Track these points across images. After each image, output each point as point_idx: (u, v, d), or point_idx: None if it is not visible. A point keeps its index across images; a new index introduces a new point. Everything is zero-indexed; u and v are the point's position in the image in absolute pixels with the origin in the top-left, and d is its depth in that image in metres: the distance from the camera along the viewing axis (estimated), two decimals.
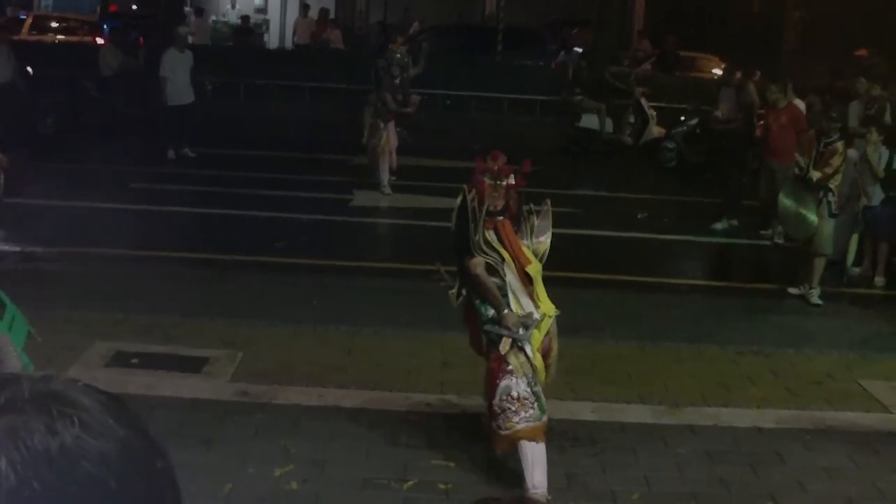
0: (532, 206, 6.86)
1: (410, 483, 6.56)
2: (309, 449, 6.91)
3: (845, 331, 10.73)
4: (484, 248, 6.53)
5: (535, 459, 6.32)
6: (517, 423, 6.37)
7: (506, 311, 6.48)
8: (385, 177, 15.79)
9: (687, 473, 6.94)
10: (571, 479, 6.75)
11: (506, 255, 6.56)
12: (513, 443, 6.42)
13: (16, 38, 23.44)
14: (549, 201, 6.93)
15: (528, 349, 6.49)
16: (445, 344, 8.79)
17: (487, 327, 6.57)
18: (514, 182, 6.69)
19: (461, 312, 6.99)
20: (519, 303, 6.56)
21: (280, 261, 11.98)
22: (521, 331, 6.48)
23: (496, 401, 6.44)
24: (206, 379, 8.09)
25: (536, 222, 6.80)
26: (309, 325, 9.46)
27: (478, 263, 6.48)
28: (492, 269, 6.52)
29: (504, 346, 6.47)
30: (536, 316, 6.58)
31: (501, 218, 6.66)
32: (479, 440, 6.99)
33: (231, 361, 8.41)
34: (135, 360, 8.32)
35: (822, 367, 9.17)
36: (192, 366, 8.29)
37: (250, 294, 10.45)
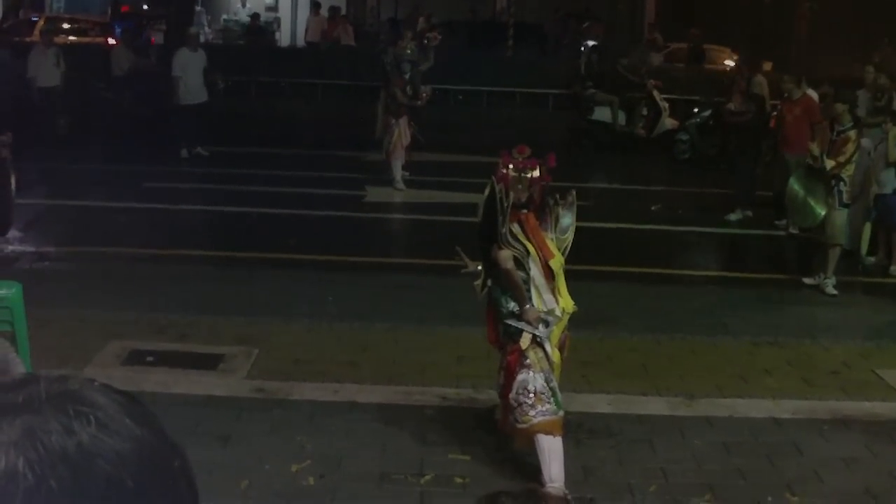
0: (557, 197, 6.85)
1: (427, 477, 6.56)
2: (325, 444, 6.93)
3: (861, 320, 10.71)
4: (510, 240, 6.51)
5: (551, 453, 6.32)
6: (533, 416, 6.37)
7: (528, 306, 6.47)
8: (398, 173, 15.80)
9: (704, 465, 6.93)
10: (588, 472, 6.75)
11: (531, 248, 6.55)
12: (529, 437, 6.41)
13: (28, 39, 23.56)
14: (574, 192, 6.91)
15: (547, 345, 6.49)
16: (460, 338, 8.79)
17: (510, 321, 6.56)
18: (538, 175, 6.67)
19: (485, 304, 6.96)
20: (541, 297, 6.54)
21: (294, 257, 12.00)
22: (541, 327, 6.47)
23: (513, 394, 6.43)
24: (222, 376, 8.11)
25: (561, 213, 6.79)
26: (324, 322, 9.47)
27: (508, 257, 6.45)
28: (517, 262, 6.50)
29: (524, 341, 6.46)
30: (558, 312, 6.57)
31: (525, 211, 6.64)
32: (495, 433, 7.00)
33: (247, 358, 8.43)
34: (150, 359, 8.34)
35: (838, 356, 9.15)
36: (208, 363, 8.31)
37: (265, 291, 10.46)
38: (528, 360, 6.43)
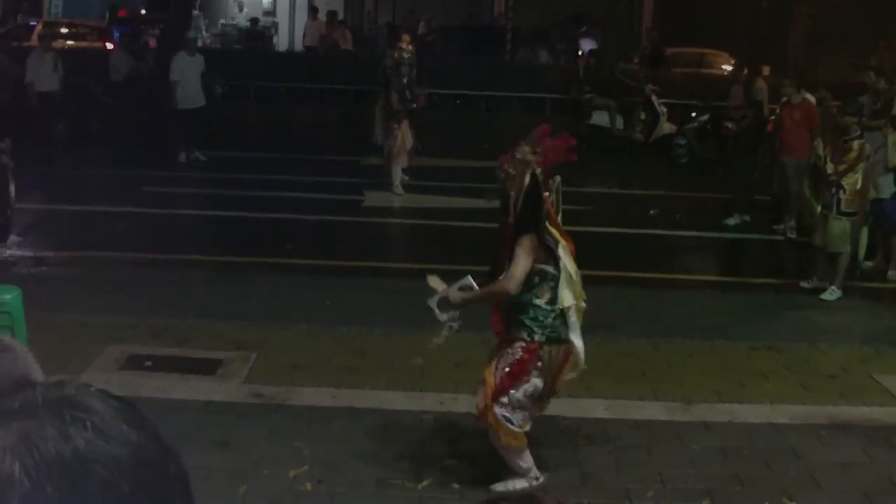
0: (549, 182, 6.79)
1: (425, 483, 6.56)
2: (323, 450, 6.92)
3: (859, 325, 10.69)
4: (545, 232, 6.30)
5: (520, 457, 6.42)
6: (523, 425, 6.36)
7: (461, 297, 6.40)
8: (398, 177, 15.79)
9: (701, 470, 6.92)
10: (586, 477, 6.75)
11: (558, 237, 6.39)
12: (504, 435, 6.36)
13: (26, 44, 23.55)
14: (559, 178, 6.84)
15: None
16: (458, 344, 8.76)
17: (433, 305, 6.49)
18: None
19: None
20: (566, 292, 6.32)
21: (292, 262, 11.99)
22: (446, 316, 6.45)
23: (518, 394, 6.31)
24: (220, 381, 8.10)
25: (552, 199, 6.74)
26: (322, 326, 9.47)
27: (527, 266, 6.20)
28: (551, 255, 6.28)
29: (438, 337, 6.51)
30: (582, 304, 6.46)
31: (546, 194, 6.51)
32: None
33: (244, 363, 8.42)
34: (148, 363, 8.33)
35: (835, 361, 9.15)
36: (206, 368, 8.30)
37: (263, 296, 10.46)
38: (541, 364, 6.33)
